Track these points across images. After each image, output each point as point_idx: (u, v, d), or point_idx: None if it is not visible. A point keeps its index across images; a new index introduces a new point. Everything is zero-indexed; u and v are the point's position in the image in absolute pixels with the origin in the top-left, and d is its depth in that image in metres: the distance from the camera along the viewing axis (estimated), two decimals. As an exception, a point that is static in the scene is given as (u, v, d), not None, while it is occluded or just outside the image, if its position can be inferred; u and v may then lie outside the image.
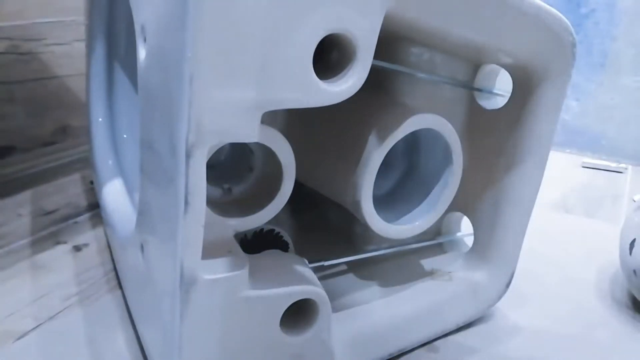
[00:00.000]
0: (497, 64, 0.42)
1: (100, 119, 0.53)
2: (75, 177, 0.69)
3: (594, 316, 0.48)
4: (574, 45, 0.39)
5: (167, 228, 0.29)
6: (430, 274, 0.46)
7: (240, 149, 0.38)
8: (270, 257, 0.34)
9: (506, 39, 0.37)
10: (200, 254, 0.27)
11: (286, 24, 0.25)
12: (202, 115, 0.24)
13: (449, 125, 0.38)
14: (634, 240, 0.46)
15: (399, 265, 0.47)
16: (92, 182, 0.62)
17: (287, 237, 0.42)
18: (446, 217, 0.50)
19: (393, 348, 0.40)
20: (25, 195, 0.63)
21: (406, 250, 0.48)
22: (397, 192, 0.43)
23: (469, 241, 0.48)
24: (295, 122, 0.39)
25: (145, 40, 0.29)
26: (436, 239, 0.50)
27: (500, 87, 0.44)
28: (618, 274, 0.52)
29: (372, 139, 0.36)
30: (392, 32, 0.32)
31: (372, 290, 0.44)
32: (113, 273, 0.49)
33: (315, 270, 0.36)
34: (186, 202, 0.26)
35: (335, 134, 0.39)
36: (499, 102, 0.44)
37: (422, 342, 0.42)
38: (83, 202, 0.63)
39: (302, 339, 0.33)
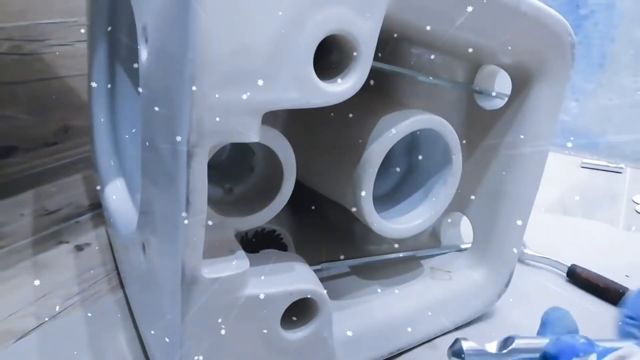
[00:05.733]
0: (497, 65, 0.42)
1: (102, 120, 0.53)
2: (77, 177, 0.69)
3: (593, 315, 0.48)
4: (573, 46, 0.39)
5: (168, 228, 0.29)
6: (430, 273, 0.47)
7: (241, 149, 0.39)
8: (270, 257, 0.34)
9: (505, 39, 0.37)
10: (201, 253, 0.28)
11: (287, 26, 0.25)
12: (203, 115, 0.25)
13: (449, 126, 0.38)
14: None
15: (400, 265, 0.48)
16: None
17: (287, 237, 0.43)
18: (445, 217, 0.50)
19: (393, 346, 0.41)
20: (28, 195, 0.63)
21: (406, 251, 0.48)
22: (397, 192, 0.43)
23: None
24: (296, 123, 0.40)
25: (146, 41, 0.30)
26: (439, 248, 0.50)
27: (500, 88, 0.44)
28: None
29: (372, 139, 0.36)
30: (392, 33, 0.33)
31: (372, 289, 0.44)
32: (115, 272, 0.49)
33: (316, 269, 0.36)
34: (187, 202, 0.26)
35: (335, 134, 0.39)
36: (498, 102, 0.44)
37: (422, 341, 0.42)
38: (85, 202, 0.63)
39: (302, 338, 0.33)
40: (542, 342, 0.26)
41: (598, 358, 0.23)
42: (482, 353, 0.26)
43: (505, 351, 0.26)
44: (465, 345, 0.26)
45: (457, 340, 0.26)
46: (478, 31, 0.36)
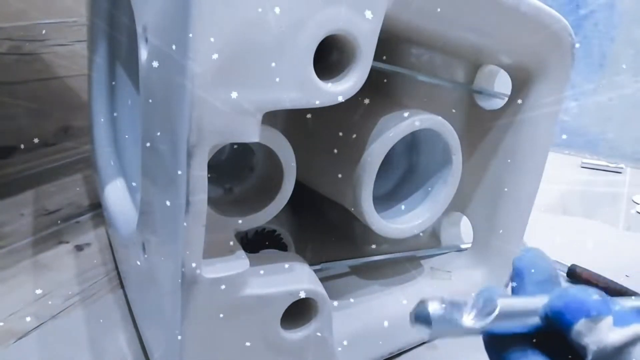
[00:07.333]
0: (497, 65, 0.42)
1: (102, 120, 0.53)
2: (77, 177, 0.69)
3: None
4: (573, 46, 0.39)
5: (168, 228, 0.29)
6: (431, 273, 0.46)
7: (241, 149, 0.39)
8: (270, 257, 0.34)
9: (505, 39, 0.37)
10: (201, 253, 0.28)
11: (287, 26, 0.25)
12: (203, 115, 0.25)
13: (449, 126, 0.38)
14: None
15: (399, 265, 0.47)
16: None
17: (287, 237, 0.43)
18: (445, 217, 0.50)
19: (393, 346, 0.41)
20: (28, 195, 0.63)
21: (406, 251, 0.48)
22: (397, 192, 0.43)
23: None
24: (296, 123, 0.40)
25: (146, 41, 0.30)
26: (439, 248, 0.50)
27: (500, 88, 0.44)
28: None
29: (372, 139, 0.36)
30: (392, 33, 0.33)
31: (372, 289, 0.44)
32: (115, 272, 0.49)
33: (316, 269, 0.36)
34: (187, 202, 0.26)
35: (335, 134, 0.39)
36: (498, 102, 0.44)
37: (422, 341, 0.42)
38: (85, 202, 0.63)
39: (302, 338, 0.33)
40: (534, 302, 0.20)
41: (616, 323, 0.17)
42: (455, 323, 0.19)
43: (488, 321, 0.19)
44: (432, 307, 0.19)
45: (421, 302, 0.19)
46: (478, 31, 0.36)
